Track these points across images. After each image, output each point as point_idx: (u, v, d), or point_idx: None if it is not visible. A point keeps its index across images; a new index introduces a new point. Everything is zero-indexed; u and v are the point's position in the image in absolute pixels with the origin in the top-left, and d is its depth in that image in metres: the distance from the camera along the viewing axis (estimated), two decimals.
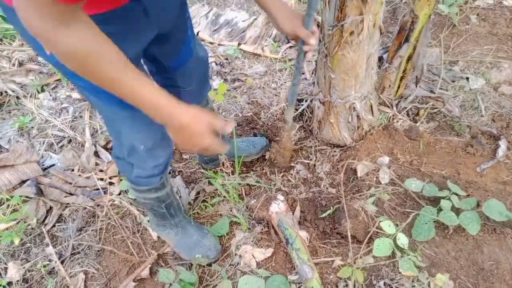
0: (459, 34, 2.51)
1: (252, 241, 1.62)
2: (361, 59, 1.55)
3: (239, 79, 2.54)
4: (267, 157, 1.94)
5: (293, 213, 1.67)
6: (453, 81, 2.20)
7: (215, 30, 2.95)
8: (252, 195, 1.78)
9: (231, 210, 1.76)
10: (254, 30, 2.84)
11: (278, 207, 1.63)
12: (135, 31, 0.94)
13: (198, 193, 1.88)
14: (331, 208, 1.66)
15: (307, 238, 1.57)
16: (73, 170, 2.03)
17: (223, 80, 2.53)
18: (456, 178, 1.72)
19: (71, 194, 1.93)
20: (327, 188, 1.79)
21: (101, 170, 2.01)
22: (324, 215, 1.65)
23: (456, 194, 1.55)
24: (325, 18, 1.51)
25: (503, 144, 1.80)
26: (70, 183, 1.97)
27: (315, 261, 1.49)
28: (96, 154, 2.09)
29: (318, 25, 2.72)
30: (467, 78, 2.19)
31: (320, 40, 1.64)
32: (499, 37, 2.45)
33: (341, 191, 1.72)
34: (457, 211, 1.50)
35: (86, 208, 1.86)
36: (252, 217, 1.71)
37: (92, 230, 1.79)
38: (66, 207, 1.89)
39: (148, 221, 1.73)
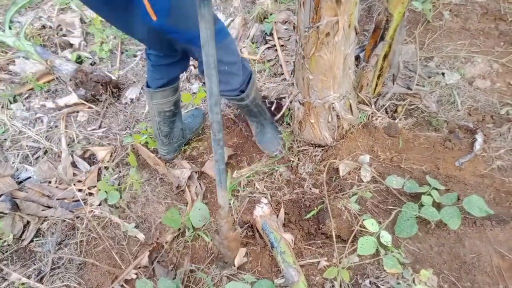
0: (433, 30, 2.55)
1: None
2: (338, 59, 1.55)
3: None
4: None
5: (277, 216, 1.66)
6: (429, 77, 2.24)
7: None
8: (236, 198, 1.77)
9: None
10: (231, 32, 2.82)
11: (262, 211, 1.62)
12: None
13: None
14: (315, 208, 1.66)
15: (292, 240, 1.56)
16: (50, 182, 1.97)
17: (202, 83, 2.50)
18: (435, 173, 1.74)
19: (49, 207, 1.87)
20: (310, 189, 1.79)
21: (79, 181, 1.95)
22: (308, 216, 1.65)
23: (436, 189, 1.57)
24: (300, 19, 1.50)
25: (479, 137, 1.84)
26: (48, 196, 1.91)
27: (300, 263, 1.48)
28: (74, 164, 2.04)
29: (294, 27, 2.73)
30: (443, 74, 2.23)
31: (296, 41, 1.64)
32: (472, 32, 2.50)
33: (324, 191, 1.72)
34: (438, 206, 1.52)
35: (65, 221, 1.81)
36: (236, 221, 1.69)
37: (73, 243, 1.74)
38: (44, 220, 1.84)
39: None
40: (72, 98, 2.37)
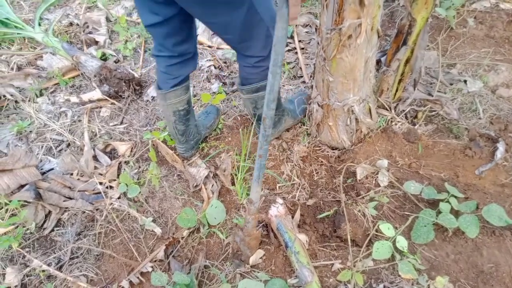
0: (456, 37, 2.52)
1: None
2: (359, 62, 1.55)
3: None
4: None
5: (292, 217, 1.67)
6: (451, 84, 2.21)
7: (213, 34, 2.96)
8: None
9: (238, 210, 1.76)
10: None
11: (277, 210, 1.63)
12: None
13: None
14: (331, 211, 1.66)
15: (307, 241, 1.57)
16: (72, 174, 2.03)
17: (221, 83, 2.54)
18: (454, 180, 1.72)
19: (70, 198, 1.92)
20: (327, 191, 1.79)
21: (100, 174, 2.00)
22: (322, 215, 1.65)
23: (455, 197, 1.55)
24: (323, 21, 1.51)
25: (501, 146, 1.80)
26: (69, 187, 1.96)
27: (314, 264, 1.49)
28: (95, 158, 2.09)
29: (316, 29, 2.74)
30: (465, 81, 2.20)
31: (318, 43, 1.65)
32: (496, 40, 2.46)
33: (341, 194, 1.72)
34: (456, 213, 1.50)
35: (85, 212, 1.86)
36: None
37: (91, 234, 1.78)
38: (65, 211, 1.89)
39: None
40: (96, 93, 2.43)
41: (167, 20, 1.39)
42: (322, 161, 1.93)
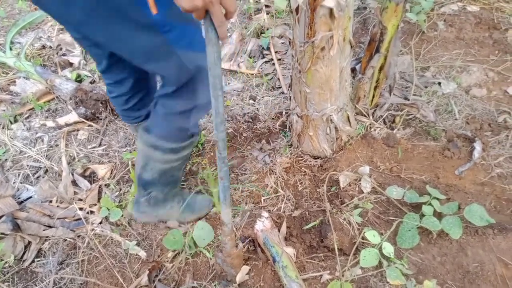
0: (428, 41, 2.59)
1: None
2: (334, 72, 1.57)
3: None
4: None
5: (278, 230, 1.66)
6: (426, 87, 2.26)
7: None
8: (236, 213, 1.77)
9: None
10: (229, 47, 2.86)
11: (263, 225, 1.62)
12: None
13: None
14: (316, 221, 1.66)
15: (294, 254, 1.55)
16: (51, 201, 1.97)
17: None
18: (435, 182, 1.75)
19: (50, 227, 1.86)
20: (312, 201, 1.79)
21: (80, 199, 1.95)
22: (309, 226, 1.65)
23: (437, 199, 1.57)
24: (295, 35, 1.53)
25: (478, 146, 1.84)
26: (49, 216, 1.90)
27: (303, 277, 1.47)
28: (74, 183, 2.04)
29: (289, 42, 2.77)
30: (439, 83, 2.25)
31: (292, 56, 1.66)
32: (466, 41, 2.53)
33: (326, 203, 1.72)
34: (439, 215, 1.52)
35: (66, 240, 1.80)
36: (238, 236, 1.68)
37: (74, 262, 1.73)
38: (45, 240, 1.83)
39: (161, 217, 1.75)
40: (72, 116, 2.38)
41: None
42: (305, 171, 1.93)
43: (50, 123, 2.39)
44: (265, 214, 1.68)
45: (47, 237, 1.82)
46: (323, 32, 1.38)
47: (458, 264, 1.44)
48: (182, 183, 1.94)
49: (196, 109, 1.35)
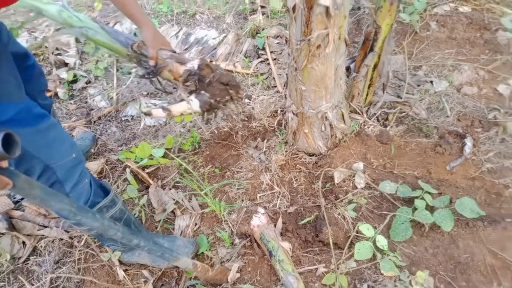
0: (421, 40, 2.63)
1: (236, 256, 1.62)
2: (329, 70, 1.60)
3: None
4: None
5: (274, 225, 1.68)
6: (418, 85, 2.30)
7: (186, 49, 2.98)
8: (232, 210, 1.79)
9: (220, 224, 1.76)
10: (224, 47, 2.89)
11: (259, 220, 1.64)
12: None
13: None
14: (311, 216, 1.69)
15: (290, 248, 1.58)
16: None
17: None
18: (427, 177, 1.78)
19: (45, 227, 1.87)
20: (307, 197, 1.82)
21: None
22: (304, 221, 1.67)
23: (429, 193, 1.61)
24: (292, 33, 1.56)
25: (469, 142, 1.88)
26: (44, 215, 1.91)
27: (299, 270, 1.50)
28: None
29: (286, 40, 2.80)
30: (431, 82, 2.30)
31: (289, 54, 1.69)
32: (458, 41, 2.58)
33: (320, 199, 1.75)
34: (431, 209, 1.55)
35: (62, 239, 1.81)
36: (234, 232, 1.71)
37: (70, 261, 1.73)
38: (40, 239, 1.84)
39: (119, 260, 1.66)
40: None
41: None
42: (300, 168, 1.96)
43: None
44: (261, 210, 1.71)
45: (42, 235, 1.83)
46: (319, 30, 1.41)
47: (450, 255, 1.48)
48: None
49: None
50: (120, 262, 1.66)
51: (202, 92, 1.44)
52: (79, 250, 1.75)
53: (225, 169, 2.04)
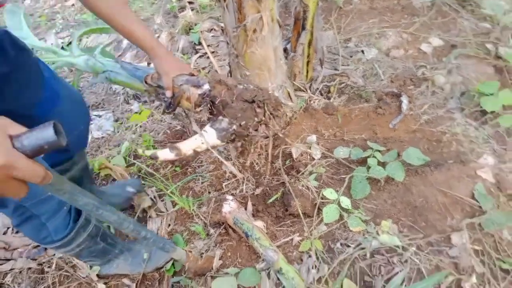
0: (346, 15, 2.80)
1: (214, 245, 1.66)
2: (269, 52, 1.67)
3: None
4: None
5: (245, 209, 1.74)
6: (351, 56, 2.46)
7: (120, 55, 2.91)
8: (202, 203, 1.82)
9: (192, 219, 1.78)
10: None
11: (229, 206, 1.69)
12: None
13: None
14: (278, 193, 1.77)
15: (264, 226, 1.65)
16: (5, 232, 1.87)
17: (141, 102, 2.51)
18: (375, 137, 1.93)
19: (8, 259, 1.78)
20: (270, 177, 1.90)
21: None
22: (272, 199, 1.75)
23: (378, 151, 1.75)
24: (226, 22, 1.61)
25: (405, 99, 2.07)
26: (5, 248, 1.81)
27: (276, 244, 1.58)
28: None
29: (222, 30, 2.84)
30: (362, 51, 2.47)
31: (227, 43, 1.74)
32: (379, 10, 2.79)
33: (283, 175, 1.83)
34: (383, 164, 1.70)
35: (31, 268, 1.73)
36: (207, 223, 1.74)
37: (44, 287, 1.67)
38: (6, 274, 1.74)
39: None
40: None
41: None
42: (259, 152, 2.03)
43: None
44: (229, 197, 1.76)
45: (6, 271, 1.74)
46: (252, 15, 1.47)
47: (407, 203, 1.63)
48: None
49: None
50: (99, 277, 1.63)
51: (220, 118, 1.18)
52: (52, 274, 1.69)
53: (186, 166, 2.05)
